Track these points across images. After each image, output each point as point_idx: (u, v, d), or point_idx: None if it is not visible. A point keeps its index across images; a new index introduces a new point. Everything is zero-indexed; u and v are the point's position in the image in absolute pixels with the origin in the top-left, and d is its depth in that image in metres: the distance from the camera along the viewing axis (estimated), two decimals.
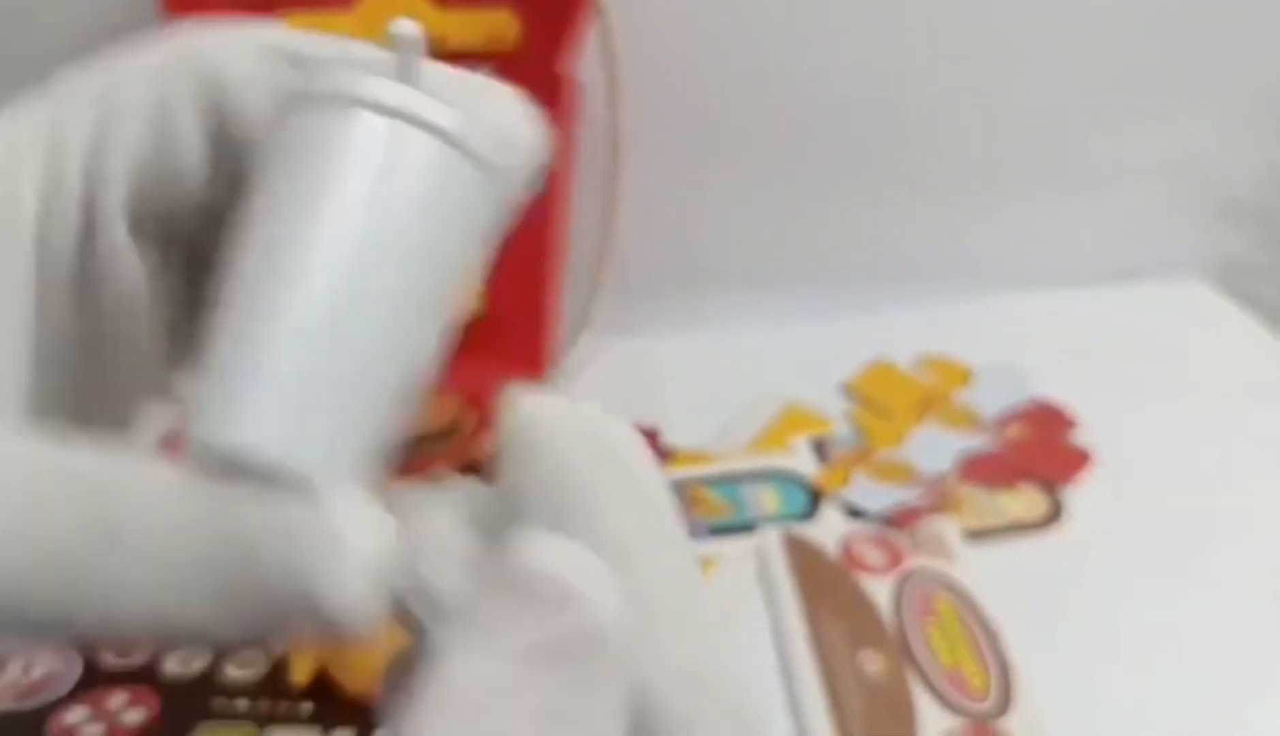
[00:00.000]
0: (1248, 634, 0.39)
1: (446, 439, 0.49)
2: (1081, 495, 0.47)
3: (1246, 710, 0.36)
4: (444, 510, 0.15)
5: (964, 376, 0.58)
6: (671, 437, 0.54)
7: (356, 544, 0.13)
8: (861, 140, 0.61)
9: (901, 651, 0.38)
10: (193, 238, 0.18)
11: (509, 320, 0.57)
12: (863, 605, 0.41)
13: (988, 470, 0.49)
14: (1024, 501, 0.47)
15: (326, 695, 0.35)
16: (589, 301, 0.58)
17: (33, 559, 0.13)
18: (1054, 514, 0.46)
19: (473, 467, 0.50)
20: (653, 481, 0.16)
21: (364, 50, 0.17)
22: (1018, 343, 0.60)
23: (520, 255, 0.56)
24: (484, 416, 0.52)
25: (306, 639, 0.14)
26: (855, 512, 0.47)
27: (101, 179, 0.16)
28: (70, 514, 0.13)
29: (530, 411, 0.16)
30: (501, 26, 0.51)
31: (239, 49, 0.16)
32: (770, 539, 0.45)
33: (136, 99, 0.16)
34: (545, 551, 0.13)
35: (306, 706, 0.35)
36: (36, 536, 0.13)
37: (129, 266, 0.17)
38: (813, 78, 0.59)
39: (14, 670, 0.37)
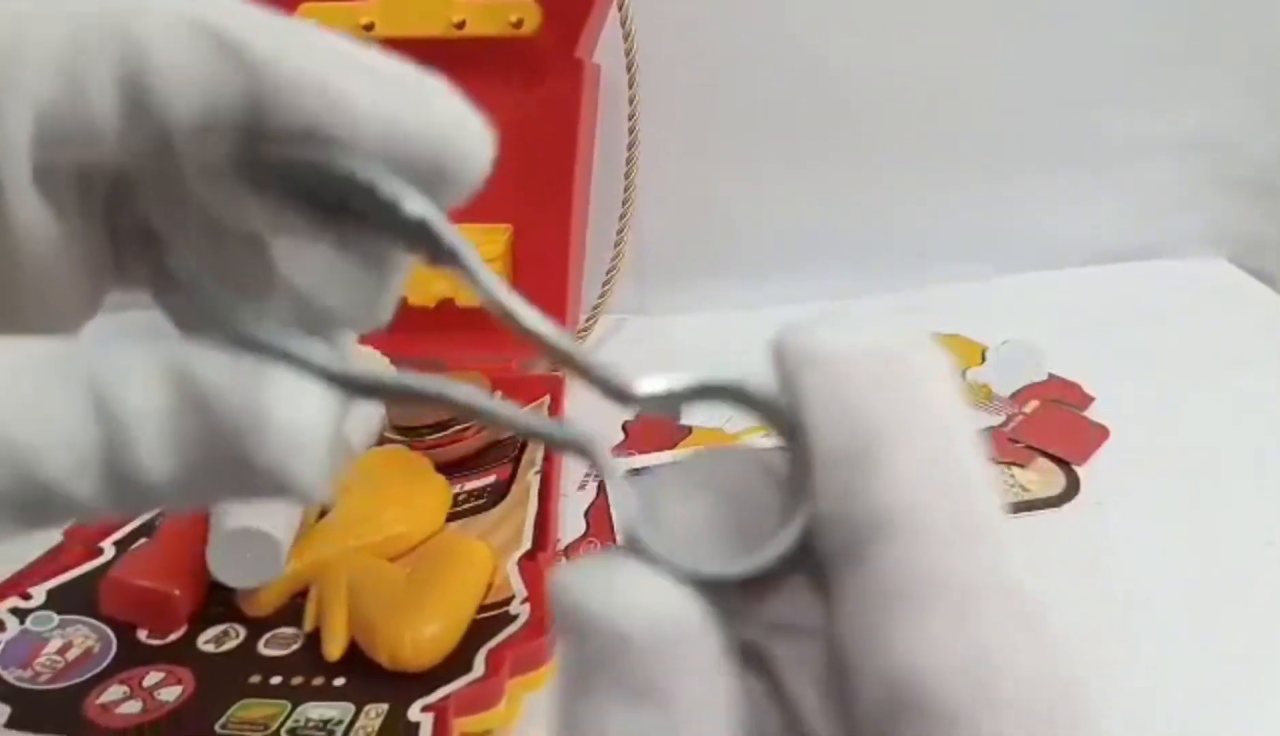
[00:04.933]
0: (1267, 606, 0.39)
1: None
2: (1098, 471, 0.48)
3: (1266, 682, 0.36)
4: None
5: (979, 355, 0.58)
6: (689, 418, 0.54)
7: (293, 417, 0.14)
8: (877, 122, 0.61)
9: None
10: (112, 185, 0.17)
11: (531, 302, 0.57)
12: None
13: (1004, 447, 0.50)
14: (1041, 478, 0.47)
15: (359, 669, 0.35)
16: (607, 283, 0.58)
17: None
18: (1071, 490, 0.46)
19: (495, 445, 0.50)
20: (954, 417, 0.14)
21: (310, 29, 0.16)
22: (1034, 320, 0.60)
23: (539, 237, 0.56)
24: (507, 394, 0.53)
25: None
26: None
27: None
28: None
29: (813, 340, 0.14)
30: (522, 12, 0.51)
31: (172, 27, 0.15)
32: None
33: (50, 38, 0.15)
34: (565, 581, 0.14)
35: (339, 681, 0.35)
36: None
37: (31, 206, 0.16)
38: (829, 62, 0.59)
39: (50, 649, 0.38)
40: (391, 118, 0.15)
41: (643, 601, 0.13)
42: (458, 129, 0.16)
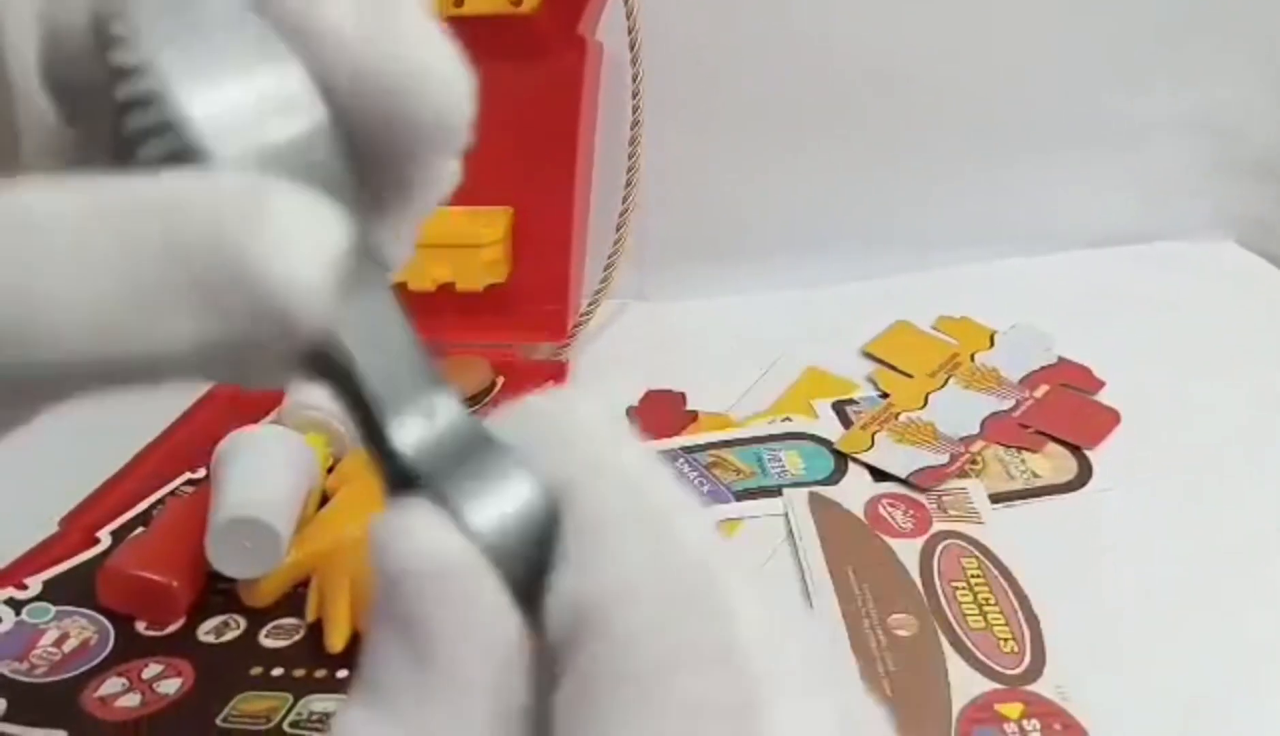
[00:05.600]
0: (1277, 591, 0.39)
1: (474, 402, 0.49)
2: (1110, 456, 0.47)
3: (1276, 667, 0.36)
4: None
5: (987, 338, 0.57)
6: (694, 402, 0.54)
7: (290, 216, 0.13)
8: (883, 105, 0.60)
9: (931, 614, 0.38)
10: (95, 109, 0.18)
11: (532, 286, 0.57)
12: (891, 567, 0.41)
13: (1014, 432, 0.49)
14: (1051, 463, 0.47)
15: None
16: (609, 267, 0.58)
17: None
18: (1082, 475, 0.46)
19: None
20: (632, 461, 0.16)
21: None
22: (1042, 304, 0.59)
23: (542, 222, 0.55)
24: (510, 379, 0.52)
25: (249, 341, 0.13)
26: (880, 475, 0.47)
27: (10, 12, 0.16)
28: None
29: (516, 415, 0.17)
30: None
31: None
32: (797, 500, 0.45)
33: None
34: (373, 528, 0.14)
35: (343, 673, 0.35)
36: None
37: (40, 107, 0.17)
38: (833, 44, 0.58)
39: (47, 641, 0.37)
40: (362, 38, 0.16)
41: (424, 541, 0.14)
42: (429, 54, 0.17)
